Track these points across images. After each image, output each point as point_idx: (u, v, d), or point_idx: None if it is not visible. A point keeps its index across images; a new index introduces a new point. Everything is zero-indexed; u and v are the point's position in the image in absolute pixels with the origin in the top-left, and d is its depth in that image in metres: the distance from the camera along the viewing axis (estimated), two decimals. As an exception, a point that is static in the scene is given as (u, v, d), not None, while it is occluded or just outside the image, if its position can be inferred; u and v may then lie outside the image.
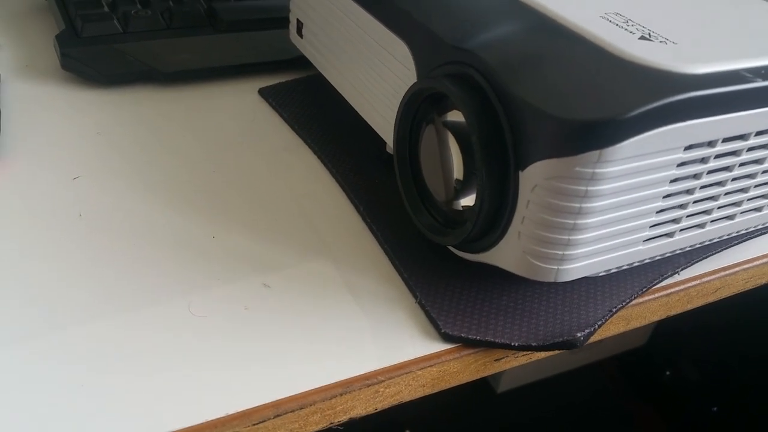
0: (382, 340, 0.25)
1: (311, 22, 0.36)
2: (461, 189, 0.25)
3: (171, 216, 0.29)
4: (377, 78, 0.30)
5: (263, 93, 0.39)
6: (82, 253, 0.27)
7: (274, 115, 0.38)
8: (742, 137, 0.25)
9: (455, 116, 0.25)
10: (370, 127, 0.32)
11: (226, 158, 0.33)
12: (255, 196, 0.31)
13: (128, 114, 0.36)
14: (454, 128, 0.25)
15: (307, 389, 0.22)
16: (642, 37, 0.25)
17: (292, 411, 0.22)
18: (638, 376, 1.03)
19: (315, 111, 0.38)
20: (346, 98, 0.34)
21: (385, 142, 0.31)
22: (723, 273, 0.31)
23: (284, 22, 0.41)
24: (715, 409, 0.95)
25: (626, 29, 0.25)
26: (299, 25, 0.37)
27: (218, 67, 0.39)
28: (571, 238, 0.23)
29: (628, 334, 1.02)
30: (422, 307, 0.26)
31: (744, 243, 0.32)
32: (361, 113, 0.33)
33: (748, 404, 0.92)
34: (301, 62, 0.39)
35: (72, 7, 0.40)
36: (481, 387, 0.96)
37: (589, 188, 0.22)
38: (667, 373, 1.00)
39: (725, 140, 0.24)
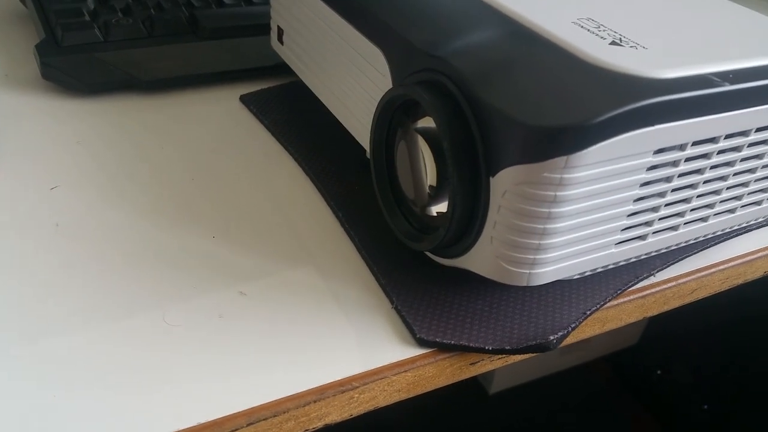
0: (358, 345, 0.25)
1: (291, 29, 0.36)
2: (435, 195, 0.26)
3: (148, 226, 0.29)
4: (355, 85, 0.31)
5: (245, 100, 0.39)
6: (57, 263, 0.27)
7: (256, 121, 0.38)
8: (712, 140, 0.25)
9: (429, 123, 0.25)
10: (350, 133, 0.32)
11: (206, 166, 0.34)
12: (234, 204, 0.31)
13: (109, 123, 0.36)
14: (427, 135, 0.25)
15: (280, 396, 0.22)
16: (613, 42, 0.25)
17: (266, 419, 0.22)
18: (630, 375, 1.04)
19: (296, 117, 0.38)
20: (325, 104, 0.34)
21: (365, 148, 0.31)
22: (699, 274, 0.31)
23: (266, 28, 0.41)
24: (705, 406, 0.95)
25: (597, 34, 0.25)
26: (280, 33, 0.38)
27: (200, 74, 0.40)
28: (541, 242, 0.23)
29: (620, 335, 1.03)
30: (398, 312, 0.26)
31: (720, 244, 0.32)
32: (340, 119, 0.33)
33: (738, 401, 0.93)
34: (283, 69, 0.39)
35: (52, 15, 0.40)
36: (473, 388, 0.97)
37: (558, 193, 0.22)
38: (658, 372, 1.01)
39: (695, 143, 0.25)
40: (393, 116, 0.27)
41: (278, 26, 0.38)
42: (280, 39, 0.38)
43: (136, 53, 0.39)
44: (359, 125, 0.31)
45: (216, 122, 0.37)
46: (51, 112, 0.36)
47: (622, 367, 1.05)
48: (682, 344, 1.01)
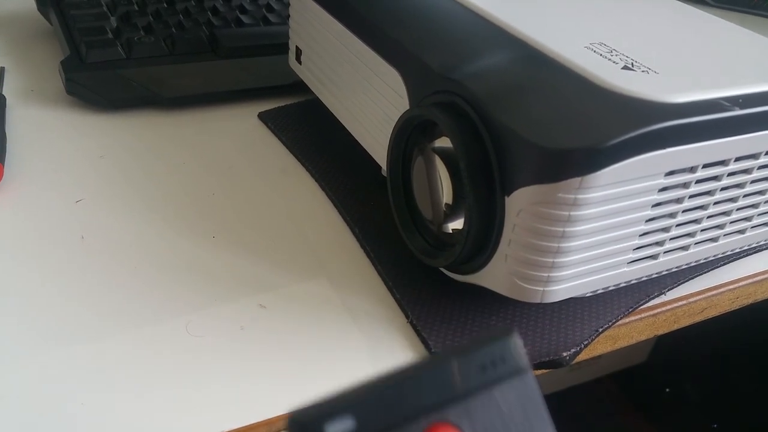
0: (375, 359, 0.26)
1: (309, 49, 0.37)
2: (451, 213, 0.26)
3: (171, 237, 0.30)
4: (372, 104, 0.31)
5: (263, 117, 0.40)
6: (83, 275, 0.28)
7: (273, 138, 0.39)
8: (722, 163, 0.26)
9: (445, 142, 0.26)
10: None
11: (225, 181, 0.34)
12: (254, 218, 0.32)
13: (131, 138, 0.37)
14: (444, 154, 0.26)
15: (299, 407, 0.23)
16: (625, 67, 0.26)
17: (284, 429, 0.22)
18: (638, 393, 1.03)
19: (313, 134, 0.39)
20: (342, 123, 0.35)
21: (381, 166, 0.32)
22: (709, 293, 0.32)
23: (284, 48, 0.42)
24: (715, 426, 0.95)
25: (610, 59, 0.26)
26: (298, 52, 0.39)
27: (219, 91, 0.41)
28: (555, 260, 0.24)
29: (628, 351, 1.03)
30: (414, 327, 0.27)
31: (730, 264, 0.32)
32: (356, 137, 0.34)
33: (749, 420, 0.92)
34: (300, 87, 0.40)
35: (77, 33, 0.41)
36: (481, 404, 0.96)
37: (572, 213, 0.22)
38: (667, 390, 1.01)
39: (705, 166, 0.25)
40: (410, 135, 0.28)
41: (296, 46, 0.39)
42: (298, 58, 0.39)
43: (157, 70, 0.40)
44: (375, 143, 0.32)
45: (235, 138, 0.38)
46: (75, 126, 0.37)
47: (630, 384, 1.04)
48: (692, 361, 1.00)
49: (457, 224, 0.26)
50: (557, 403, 1.00)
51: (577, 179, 0.22)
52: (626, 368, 1.04)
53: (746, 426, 0.92)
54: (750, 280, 0.33)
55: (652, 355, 1.04)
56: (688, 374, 1.00)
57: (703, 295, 0.31)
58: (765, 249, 0.34)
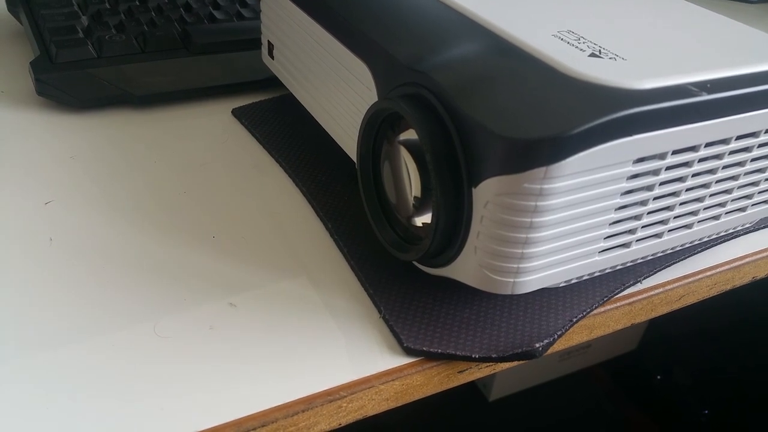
0: (348, 355, 0.25)
1: (281, 44, 0.37)
2: (420, 206, 0.26)
3: (140, 239, 0.30)
4: (342, 98, 0.31)
5: (236, 113, 0.39)
6: (51, 278, 0.27)
7: (247, 134, 0.38)
8: (692, 149, 0.25)
9: (413, 135, 0.26)
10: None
11: (197, 179, 0.34)
12: (226, 216, 0.32)
13: (102, 138, 0.36)
14: (411, 147, 0.26)
15: (268, 407, 0.23)
16: (592, 54, 0.25)
17: (254, 429, 0.22)
18: (630, 381, 1.04)
19: (287, 130, 0.38)
20: (315, 117, 0.35)
21: (354, 160, 0.32)
22: (686, 280, 0.31)
23: (257, 43, 0.42)
24: (706, 412, 0.95)
25: (577, 47, 0.26)
26: (270, 47, 0.38)
27: (192, 88, 0.40)
28: (524, 251, 0.23)
29: (619, 340, 1.03)
30: (386, 321, 0.26)
31: (707, 250, 0.32)
32: (329, 132, 0.33)
33: (739, 407, 0.93)
34: (273, 82, 0.40)
35: (47, 33, 0.40)
36: (473, 395, 0.97)
37: (539, 203, 0.22)
38: (658, 377, 1.01)
39: (675, 152, 0.25)
40: (379, 129, 0.28)
41: (268, 41, 0.38)
42: (270, 54, 0.38)
43: (129, 69, 0.40)
44: (347, 137, 0.31)
45: (208, 136, 0.38)
46: (45, 127, 0.37)
47: (622, 372, 1.05)
48: (682, 349, 1.01)
49: (426, 217, 0.26)
50: (549, 392, 1.01)
51: (542, 169, 0.21)
52: (617, 356, 1.04)
53: (737, 412, 0.93)
54: (727, 266, 0.33)
55: (643, 342, 1.04)
56: (678, 361, 1.00)
57: (680, 283, 0.31)
58: (742, 234, 0.33)
